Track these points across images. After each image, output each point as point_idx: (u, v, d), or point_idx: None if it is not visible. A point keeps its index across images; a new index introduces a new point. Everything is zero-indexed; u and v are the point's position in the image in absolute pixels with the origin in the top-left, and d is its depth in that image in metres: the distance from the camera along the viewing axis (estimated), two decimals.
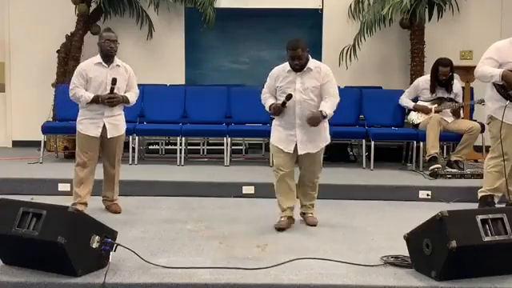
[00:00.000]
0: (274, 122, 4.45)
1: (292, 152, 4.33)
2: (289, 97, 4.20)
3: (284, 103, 4.23)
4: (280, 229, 4.27)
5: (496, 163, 4.75)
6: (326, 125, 4.41)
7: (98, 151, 4.78)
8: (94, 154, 4.74)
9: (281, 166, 4.34)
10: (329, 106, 4.24)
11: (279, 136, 4.38)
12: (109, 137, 4.72)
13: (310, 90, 4.23)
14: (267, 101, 4.41)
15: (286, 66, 4.31)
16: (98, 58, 4.71)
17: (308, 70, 4.27)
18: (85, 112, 4.71)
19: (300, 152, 4.33)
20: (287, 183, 4.37)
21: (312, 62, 4.31)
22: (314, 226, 4.42)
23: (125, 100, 4.76)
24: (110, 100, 4.63)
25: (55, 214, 3.12)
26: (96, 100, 4.62)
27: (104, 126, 4.69)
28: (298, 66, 4.23)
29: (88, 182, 4.74)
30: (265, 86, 4.47)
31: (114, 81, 4.63)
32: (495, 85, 4.66)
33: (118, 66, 4.75)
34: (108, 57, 4.69)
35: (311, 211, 4.55)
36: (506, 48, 4.68)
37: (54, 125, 7.04)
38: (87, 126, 4.69)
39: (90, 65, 4.71)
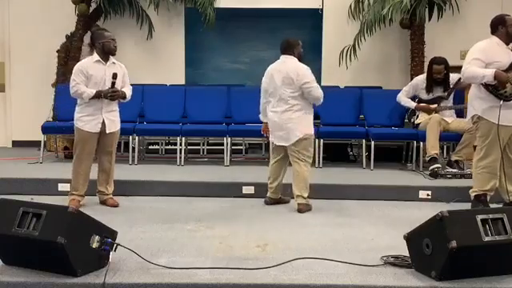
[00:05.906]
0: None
1: None
2: None
3: None
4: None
5: (486, 164, 4.72)
6: None
7: (95, 146, 4.96)
8: (92, 149, 4.94)
9: None
10: None
11: None
12: (107, 132, 4.91)
13: None
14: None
15: None
16: (96, 57, 4.90)
17: None
18: (84, 108, 4.87)
19: None
20: None
21: None
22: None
23: (123, 95, 4.96)
24: (112, 94, 4.83)
25: (55, 214, 3.12)
26: (98, 95, 4.80)
27: (103, 122, 4.87)
28: None
29: (86, 175, 4.96)
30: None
31: (114, 75, 4.84)
32: (485, 85, 4.63)
33: (113, 63, 4.98)
34: (108, 55, 4.90)
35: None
36: (489, 48, 4.70)
37: (53, 125, 7.03)
38: (88, 122, 4.86)
39: (89, 62, 4.91)
